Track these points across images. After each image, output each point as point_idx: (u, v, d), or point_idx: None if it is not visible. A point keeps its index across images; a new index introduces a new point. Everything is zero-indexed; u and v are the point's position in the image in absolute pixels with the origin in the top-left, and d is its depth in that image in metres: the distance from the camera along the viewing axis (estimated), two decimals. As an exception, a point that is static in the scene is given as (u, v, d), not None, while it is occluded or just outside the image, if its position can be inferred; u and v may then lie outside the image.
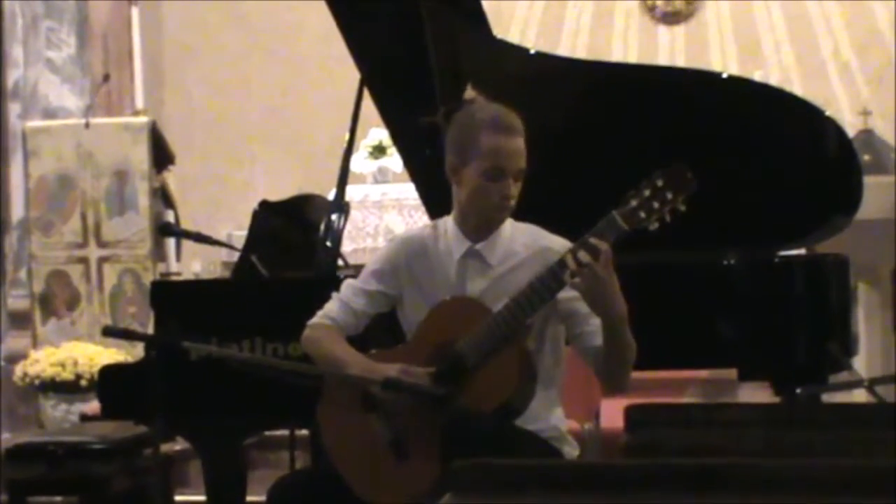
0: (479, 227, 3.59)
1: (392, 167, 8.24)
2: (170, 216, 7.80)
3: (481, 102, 3.70)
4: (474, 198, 3.55)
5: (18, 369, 7.29)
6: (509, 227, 3.61)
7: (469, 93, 3.74)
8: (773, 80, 8.39)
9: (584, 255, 3.33)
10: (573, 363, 3.73)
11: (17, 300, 8.23)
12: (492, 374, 3.43)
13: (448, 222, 3.64)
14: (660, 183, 3.33)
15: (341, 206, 4.78)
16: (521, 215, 3.64)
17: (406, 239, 3.71)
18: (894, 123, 8.65)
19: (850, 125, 8.15)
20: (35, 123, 8.06)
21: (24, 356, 7.40)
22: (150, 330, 5.09)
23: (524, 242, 3.59)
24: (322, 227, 4.78)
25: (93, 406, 6.62)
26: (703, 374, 7.01)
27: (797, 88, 8.34)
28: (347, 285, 3.69)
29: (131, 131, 7.68)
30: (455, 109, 3.73)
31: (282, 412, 4.42)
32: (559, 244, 3.52)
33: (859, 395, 5.21)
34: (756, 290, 4.42)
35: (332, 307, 3.68)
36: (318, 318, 3.68)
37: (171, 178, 8.04)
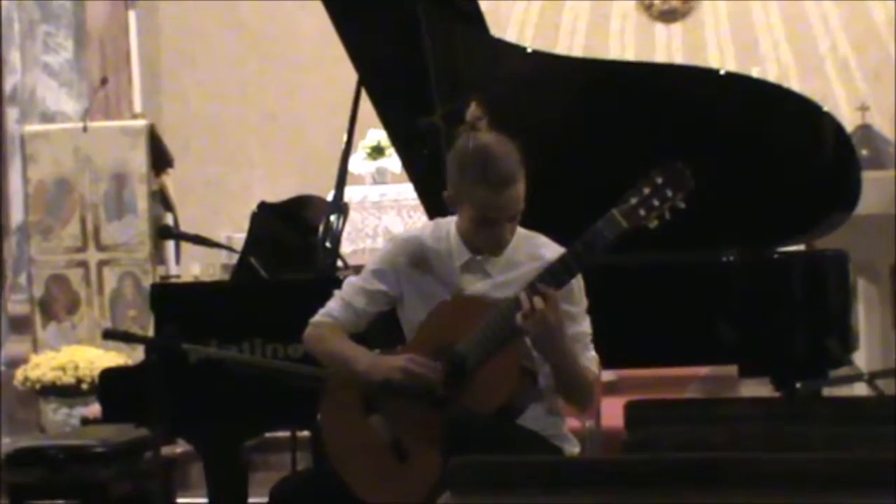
0: (480, 248, 3.58)
1: (390, 168, 8.22)
2: (169, 219, 7.79)
3: (477, 140, 3.52)
4: (469, 233, 3.55)
5: (19, 374, 7.27)
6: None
7: (474, 111, 3.61)
8: (771, 77, 8.38)
9: (537, 300, 3.34)
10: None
11: (17, 305, 8.22)
12: (492, 374, 3.42)
13: (451, 227, 3.62)
14: (659, 181, 3.33)
15: (340, 207, 4.78)
16: (521, 216, 3.63)
17: (406, 239, 3.70)
18: (892, 118, 8.65)
19: (848, 121, 8.15)
20: (33, 128, 8.04)
21: (24, 360, 7.38)
22: (151, 333, 5.08)
23: (526, 252, 3.57)
24: (321, 228, 4.78)
25: (93, 410, 6.61)
26: (704, 371, 7.01)
27: (795, 85, 8.34)
28: (349, 284, 3.69)
29: (129, 135, 7.66)
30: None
31: (282, 413, 4.42)
32: (558, 254, 3.51)
33: (860, 389, 5.21)
34: (756, 286, 4.42)
35: (333, 305, 3.68)
36: (320, 316, 3.68)
37: (170, 181, 8.02)
